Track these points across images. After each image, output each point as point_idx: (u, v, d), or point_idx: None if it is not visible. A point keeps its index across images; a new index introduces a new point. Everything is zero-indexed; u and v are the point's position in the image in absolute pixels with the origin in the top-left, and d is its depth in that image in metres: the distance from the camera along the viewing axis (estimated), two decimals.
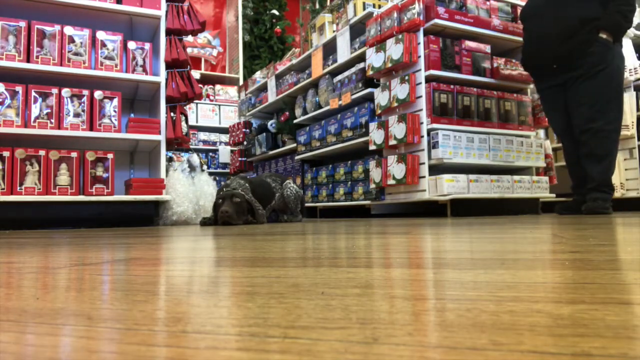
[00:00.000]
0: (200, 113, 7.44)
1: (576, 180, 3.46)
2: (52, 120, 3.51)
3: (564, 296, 0.44)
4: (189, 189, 3.93)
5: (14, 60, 3.47)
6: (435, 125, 3.67)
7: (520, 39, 4.12)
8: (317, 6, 8.20)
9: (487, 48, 4.00)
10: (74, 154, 3.55)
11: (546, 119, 4.16)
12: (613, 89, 3.26)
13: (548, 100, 3.59)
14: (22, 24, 3.52)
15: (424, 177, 3.68)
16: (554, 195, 4.24)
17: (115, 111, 3.72)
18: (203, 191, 4.03)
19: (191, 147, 4.97)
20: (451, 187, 3.57)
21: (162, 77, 3.90)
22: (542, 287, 0.49)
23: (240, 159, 6.67)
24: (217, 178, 6.96)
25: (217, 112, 7.60)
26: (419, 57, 3.74)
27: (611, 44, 3.23)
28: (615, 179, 4.15)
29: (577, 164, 3.42)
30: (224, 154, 7.42)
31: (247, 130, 6.57)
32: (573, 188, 3.49)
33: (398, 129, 3.74)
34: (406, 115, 3.68)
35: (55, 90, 3.54)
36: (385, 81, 4.00)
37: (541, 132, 4.87)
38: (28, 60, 3.52)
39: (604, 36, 3.20)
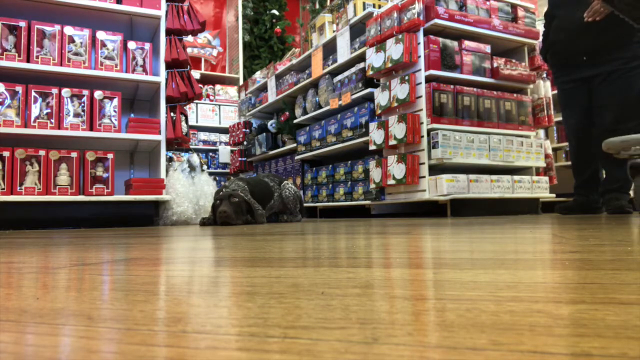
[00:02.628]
0: (200, 113, 7.43)
1: (581, 180, 3.41)
2: (52, 120, 3.52)
3: (564, 296, 0.44)
4: (189, 189, 3.93)
5: (14, 60, 3.47)
6: (435, 125, 3.67)
7: (521, 38, 4.13)
8: (317, 6, 8.19)
9: (487, 48, 4.00)
10: (74, 154, 3.55)
11: (546, 119, 4.14)
12: None
13: (569, 95, 3.44)
14: (22, 24, 3.52)
15: (424, 177, 3.68)
16: (554, 195, 4.24)
17: (115, 111, 3.72)
18: (203, 191, 4.03)
19: (191, 147, 4.97)
20: (451, 187, 3.57)
21: (162, 77, 3.90)
22: (542, 287, 0.49)
23: (240, 159, 6.67)
24: (217, 178, 6.96)
25: (217, 112, 7.60)
26: (419, 57, 3.74)
27: None
28: None
29: (588, 163, 3.36)
30: (224, 154, 7.42)
31: (247, 130, 6.57)
32: (577, 187, 3.44)
33: (398, 129, 3.74)
34: (406, 115, 3.68)
35: (55, 90, 3.55)
36: (385, 81, 4.00)
37: (541, 132, 4.87)
38: (28, 60, 3.52)
39: None
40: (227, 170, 7.32)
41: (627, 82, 3.13)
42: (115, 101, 3.73)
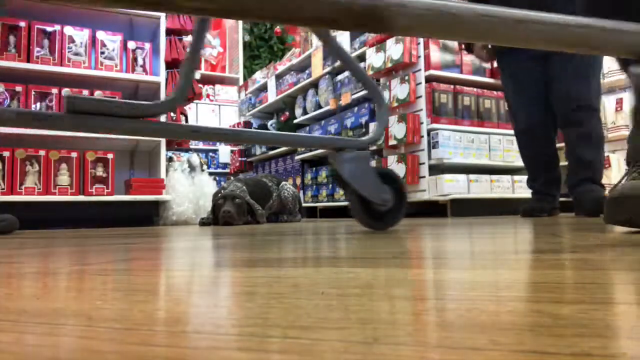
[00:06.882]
0: (200, 113, 7.43)
1: (540, 184, 2.91)
2: None
3: (564, 296, 0.44)
4: (189, 189, 3.94)
5: (14, 60, 3.47)
6: (435, 125, 3.68)
7: None
8: None
9: None
10: (74, 154, 3.55)
11: None
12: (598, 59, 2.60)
13: (520, 77, 2.76)
14: (22, 24, 3.52)
15: (424, 177, 3.68)
16: None
17: None
18: (203, 191, 4.03)
19: (191, 147, 4.96)
20: (451, 187, 3.57)
21: (162, 77, 3.90)
22: (542, 287, 0.49)
23: (240, 159, 6.67)
24: (217, 178, 6.95)
25: (217, 112, 7.59)
26: (419, 57, 3.74)
27: None
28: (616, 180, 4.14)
29: (549, 163, 2.91)
30: (224, 154, 7.42)
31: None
32: (541, 185, 2.94)
33: (398, 129, 3.74)
34: (406, 115, 3.68)
35: (55, 90, 3.55)
36: (385, 81, 4.00)
37: None
38: (28, 60, 3.52)
39: None
40: (227, 170, 7.32)
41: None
42: None
